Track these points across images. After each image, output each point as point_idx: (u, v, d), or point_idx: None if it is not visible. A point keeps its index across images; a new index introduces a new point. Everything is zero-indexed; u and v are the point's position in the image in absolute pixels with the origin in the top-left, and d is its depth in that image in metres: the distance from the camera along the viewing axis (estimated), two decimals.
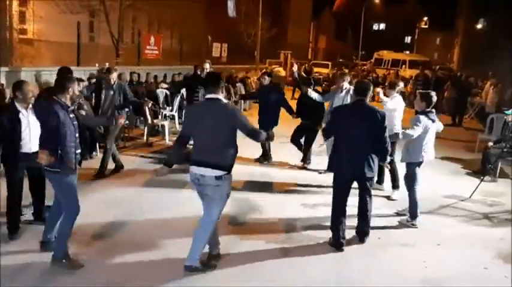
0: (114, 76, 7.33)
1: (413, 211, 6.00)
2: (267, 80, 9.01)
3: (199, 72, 9.47)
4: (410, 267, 4.88)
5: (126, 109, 8.09)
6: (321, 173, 7.97)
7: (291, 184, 7.51)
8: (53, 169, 4.25)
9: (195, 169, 4.26)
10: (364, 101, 5.13)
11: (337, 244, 5.12)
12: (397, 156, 6.42)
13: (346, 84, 7.65)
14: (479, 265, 4.98)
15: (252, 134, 4.39)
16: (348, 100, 7.32)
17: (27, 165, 4.94)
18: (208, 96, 4.31)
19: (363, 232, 5.37)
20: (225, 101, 4.34)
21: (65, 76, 4.75)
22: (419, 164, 6.03)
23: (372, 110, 5.08)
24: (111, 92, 7.23)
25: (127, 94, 7.39)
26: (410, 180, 6.02)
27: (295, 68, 8.51)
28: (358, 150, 5.02)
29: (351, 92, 7.20)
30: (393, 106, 6.84)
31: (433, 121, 6.02)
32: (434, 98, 6.08)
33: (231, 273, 4.48)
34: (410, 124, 5.90)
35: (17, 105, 4.79)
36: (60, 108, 4.24)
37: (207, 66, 9.54)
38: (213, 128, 4.19)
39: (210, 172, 4.18)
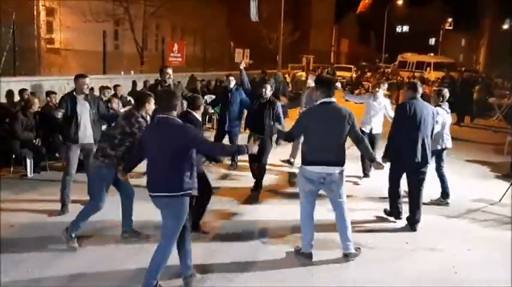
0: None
1: (445, 189, 6.89)
2: (232, 83, 8.56)
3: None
4: (440, 272, 4.80)
5: None
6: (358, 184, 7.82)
7: None
8: None
9: (318, 169, 4.63)
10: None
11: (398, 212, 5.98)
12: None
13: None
14: (509, 271, 4.86)
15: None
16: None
17: None
18: (325, 100, 4.75)
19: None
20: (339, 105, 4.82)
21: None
22: (443, 150, 6.90)
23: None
24: None
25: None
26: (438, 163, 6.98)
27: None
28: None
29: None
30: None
31: (447, 113, 6.86)
32: (447, 94, 6.90)
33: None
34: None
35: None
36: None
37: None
38: (332, 129, 4.66)
39: (336, 169, 4.63)
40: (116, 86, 10.46)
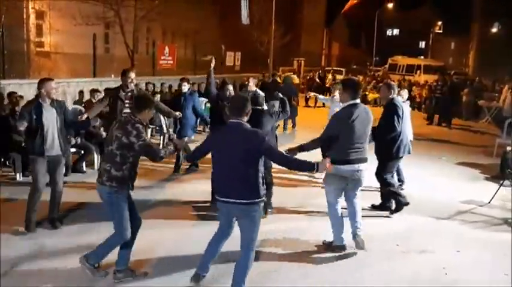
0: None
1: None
2: (186, 87, 8.47)
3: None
4: (431, 274, 4.82)
5: None
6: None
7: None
8: None
9: (355, 167, 4.98)
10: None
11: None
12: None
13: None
14: (499, 272, 4.90)
15: None
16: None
17: None
18: (352, 102, 5.00)
19: None
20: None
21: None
22: None
23: None
24: None
25: None
26: None
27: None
28: None
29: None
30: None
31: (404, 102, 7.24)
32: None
33: None
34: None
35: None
36: None
37: (252, 83, 8.86)
38: (363, 129, 4.99)
39: (365, 166, 5.08)
40: (106, 89, 10.41)
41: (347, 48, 64.46)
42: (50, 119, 5.37)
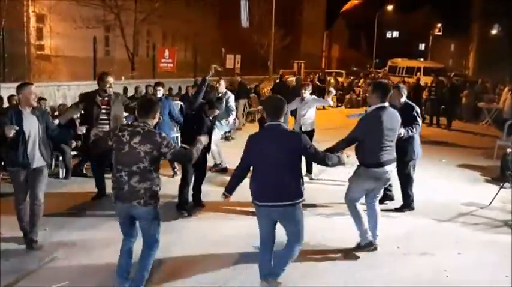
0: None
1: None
2: (161, 92, 8.22)
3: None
4: (431, 276, 4.82)
5: None
6: None
7: None
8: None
9: (387, 168, 5.05)
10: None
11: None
12: None
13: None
14: (500, 274, 4.89)
15: None
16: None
17: None
18: (381, 105, 5.02)
19: None
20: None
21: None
22: None
23: None
24: None
25: None
26: None
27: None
28: None
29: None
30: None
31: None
32: None
33: None
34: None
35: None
36: None
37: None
38: (393, 131, 5.09)
39: (394, 166, 5.20)
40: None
41: (347, 50, 64.58)
42: (32, 128, 4.96)
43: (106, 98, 6.49)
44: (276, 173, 3.94)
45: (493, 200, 7.22)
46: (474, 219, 6.62)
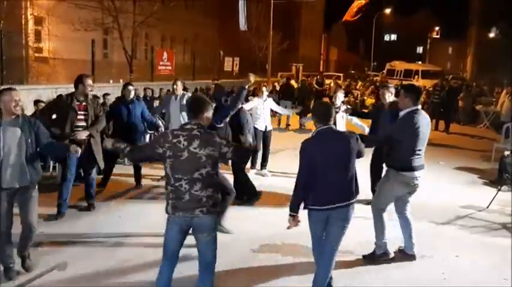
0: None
1: None
2: (131, 94, 7.65)
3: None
4: (429, 279, 4.81)
5: None
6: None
7: None
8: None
9: (417, 173, 4.98)
10: None
11: None
12: None
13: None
14: (498, 276, 4.89)
15: None
16: None
17: None
18: (414, 108, 4.92)
19: None
20: None
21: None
22: None
23: None
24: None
25: None
26: None
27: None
28: None
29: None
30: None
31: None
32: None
33: None
34: None
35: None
36: None
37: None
38: (424, 135, 4.94)
39: (423, 173, 5.08)
40: (105, 95, 10.43)
41: (345, 53, 64.76)
42: (11, 141, 4.23)
43: (84, 103, 6.09)
44: (337, 175, 4.00)
45: (490, 203, 7.22)
46: (472, 222, 6.62)
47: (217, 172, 3.77)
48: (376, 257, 5.15)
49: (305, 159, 4.00)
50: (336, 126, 7.49)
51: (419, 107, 5.02)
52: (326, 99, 19.67)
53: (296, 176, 4.04)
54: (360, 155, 4.21)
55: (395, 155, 4.98)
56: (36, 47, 19.03)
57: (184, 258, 4.20)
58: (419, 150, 4.96)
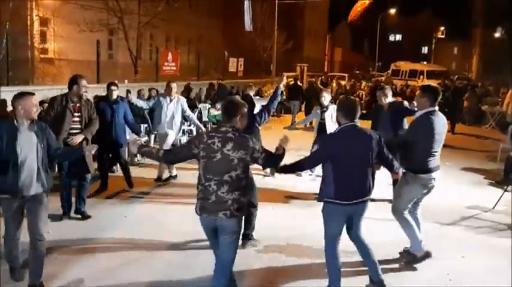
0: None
1: None
2: (114, 94, 7.47)
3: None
4: (434, 280, 4.80)
5: None
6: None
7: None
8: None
9: (433, 175, 4.91)
10: None
11: None
12: None
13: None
14: (504, 278, 4.87)
15: None
16: None
17: None
18: (431, 109, 4.85)
19: None
20: None
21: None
22: None
23: None
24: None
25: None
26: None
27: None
28: None
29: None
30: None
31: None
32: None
33: None
34: None
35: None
36: None
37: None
38: (441, 136, 4.90)
39: (439, 175, 5.00)
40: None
41: (350, 53, 64.62)
42: (28, 147, 4.10)
43: (78, 104, 6.00)
44: (358, 172, 4.08)
45: (496, 203, 7.19)
46: (478, 222, 6.60)
47: (248, 177, 3.80)
48: (418, 260, 5.05)
49: (322, 151, 4.21)
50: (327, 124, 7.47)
51: (437, 108, 4.94)
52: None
53: (310, 155, 4.27)
54: (383, 152, 4.26)
55: (411, 157, 4.91)
56: (41, 48, 19.11)
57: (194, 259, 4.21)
58: (436, 151, 4.91)
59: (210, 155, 3.65)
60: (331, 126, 8.01)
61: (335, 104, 6.96)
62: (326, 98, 8.44)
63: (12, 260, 4.39)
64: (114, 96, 7.43)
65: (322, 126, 8.30)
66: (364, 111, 8.22)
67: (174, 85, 8.17)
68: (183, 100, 8.34)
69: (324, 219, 4.23)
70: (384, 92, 6.98)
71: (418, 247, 5.04)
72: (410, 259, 5.09)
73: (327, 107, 8.27)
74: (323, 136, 4.15)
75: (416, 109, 8.38)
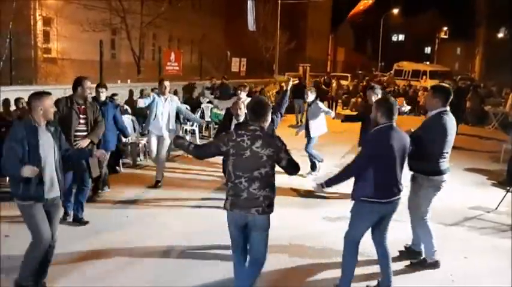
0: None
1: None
2: (103, 96, 7.28)
3: None
4: (437, 280, 4.80)
5: None
6: None
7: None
8: None
9: (444, 177, 4.92)
10: None
11: None
12: None
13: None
14: (507, 279, 4.86)
15: None
16: None
17: None
18: (443, 109, 4.87)
19: None
20: None
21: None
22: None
23: None
24: None
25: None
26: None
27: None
28: None
29: None
30: None
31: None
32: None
33: None
34: None
35: None
36: None
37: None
38: (452, 137, 4.91)
39: (449, 177, 4.99)
40: (112, 95, 10.45)
41: (352, 53, 64.49)
42: (48, 149, 3.98)
43: (83, 106, 5.92)
44: (394, 171, 4.16)
45: (499, 204, 7.18)
46: (480, 223, 6.59)
47: (274, 173, 3.83)
48: (427, 265, 5.03)
49: (369, 150, 4.23)
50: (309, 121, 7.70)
51: (448, 108, 4.90)
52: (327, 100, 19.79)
53: (354, 162, 4.26)
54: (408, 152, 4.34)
55: (422, 159, 4.82)
56: (44, 48, 19.14)
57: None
58: (447, 152, 4.90)
59: (239, 152, 3.71)
60: (314, 123, 8.71)
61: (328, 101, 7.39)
62: (310, 95, 8.90)
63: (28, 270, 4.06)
64: (103, 98, 7.25)
65: (307, 122, 8.88)
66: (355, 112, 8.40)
67: (167, 83, 7.95)
68: (175, 99, 8.16)
69: (353, 218, 4.27)
70: (374, 91, 6.99)
71: (431, 254, 5.02)
72: (419, 260, 5.08)
73: (310, 104, 8.81)
74: (368, 137, 4.21)
75: (404, 109, 8.60)
